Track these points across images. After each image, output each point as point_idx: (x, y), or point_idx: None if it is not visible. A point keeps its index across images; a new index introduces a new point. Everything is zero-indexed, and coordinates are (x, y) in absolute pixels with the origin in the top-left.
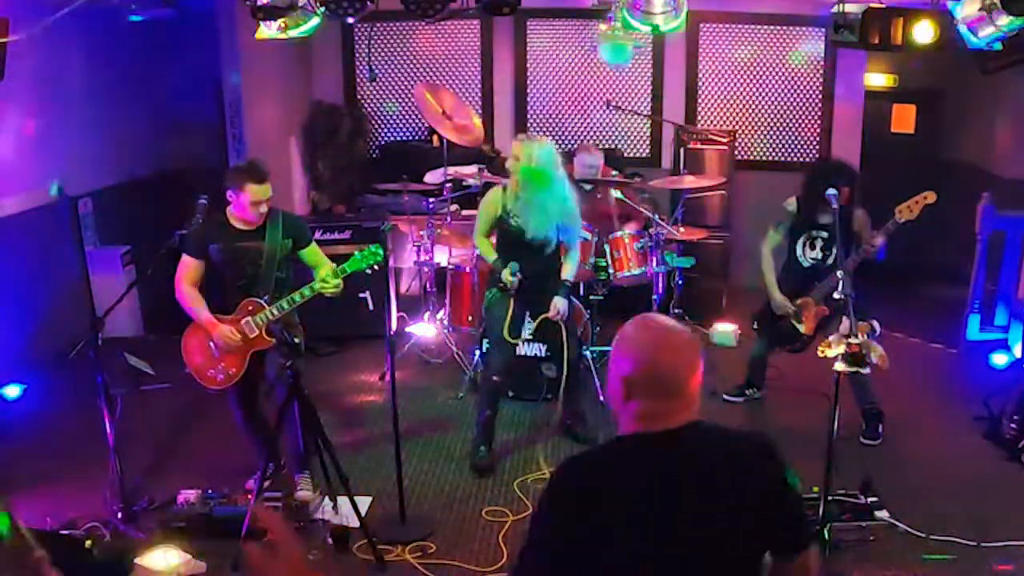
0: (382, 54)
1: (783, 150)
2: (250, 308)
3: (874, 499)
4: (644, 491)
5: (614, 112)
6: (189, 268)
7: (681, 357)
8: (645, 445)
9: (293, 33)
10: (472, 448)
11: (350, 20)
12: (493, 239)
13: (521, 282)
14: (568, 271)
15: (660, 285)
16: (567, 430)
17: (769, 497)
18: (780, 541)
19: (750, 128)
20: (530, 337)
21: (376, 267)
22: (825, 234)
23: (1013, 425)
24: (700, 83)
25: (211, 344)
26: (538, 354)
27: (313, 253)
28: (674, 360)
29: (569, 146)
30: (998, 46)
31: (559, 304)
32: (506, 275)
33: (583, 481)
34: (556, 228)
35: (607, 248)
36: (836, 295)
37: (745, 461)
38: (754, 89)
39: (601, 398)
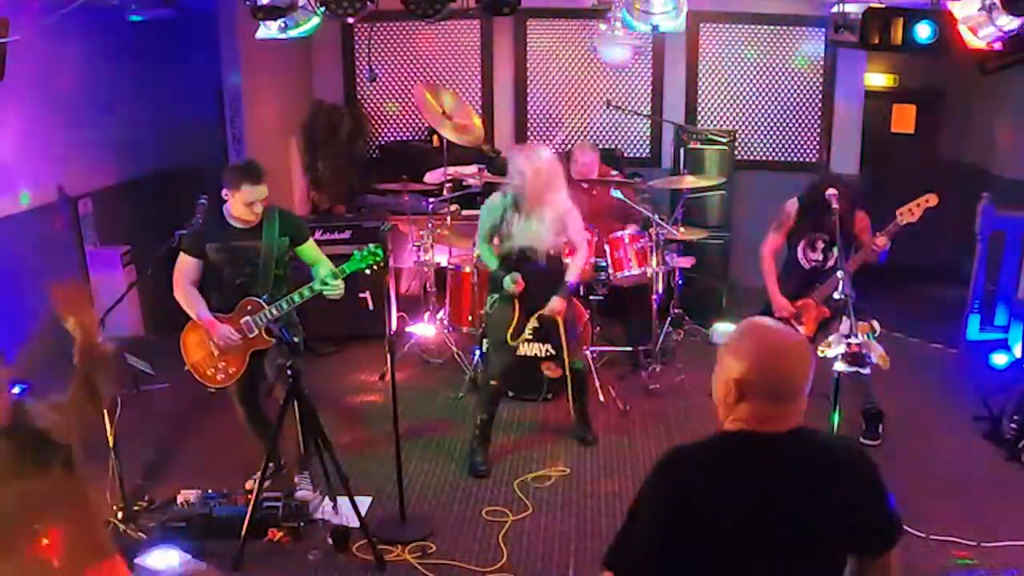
0: (382, 54)
1: (783, 150)
2: (249, 307)
3: None
4: (747, 489)
5: (614, 112)
6: (187, 266)
7: (798, 363)
8: (752, 444)
9: (293, 33)
10: (469, 452)
11: (350, 20)
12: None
13: (524, 289)
14: (571, 272)
15: (660, 285)
16: (572, 432)
17: (864, 503)
18: (869, 543)
19: (750, 128)
20: (530, 337)
21: (376, 267)
22: (826, 236)
23: (1013, 425)
24: (700, 83)
25: (210, 342)
26: (538, 354)
27: (310, 250)
28: (791, 365)
29: (569, 146)
30: (998, 46)
31: (554, 304)
32: (508, 284)
33: (689, 472)
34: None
35: (607, 248)
36: (836, 295)
37: (843, 467)
38: (754, 89)
39: (601, 398)
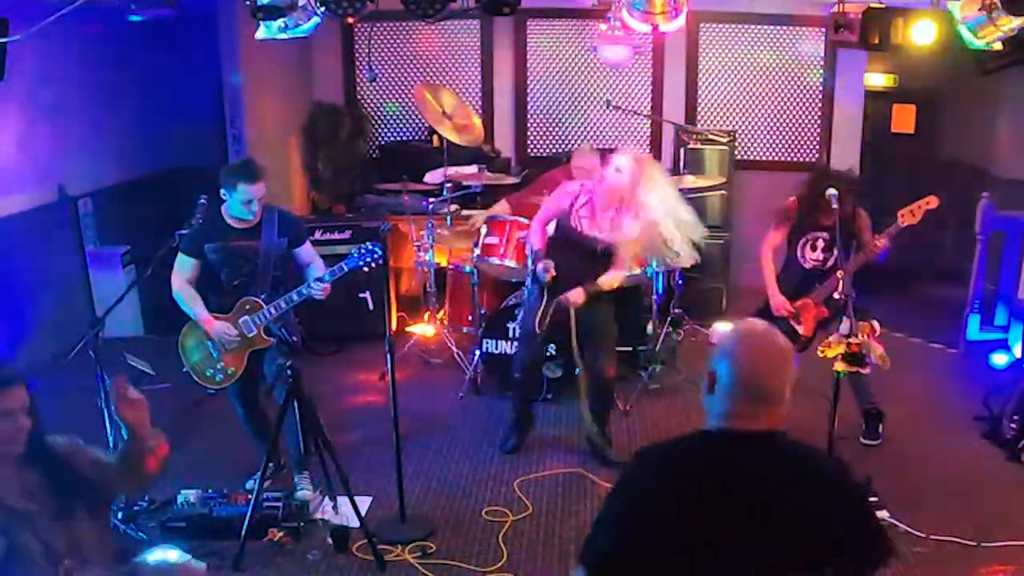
0: (382, 54)
1: (783, 150)
2: (247, 307)
3: (874, 499)
4: (716, 488)
5: (614, 112)
6: (184, 266)
7: (777, 366)
8: (723, 442)
9: (293, 33)
10: (501, 436)
11: (350, 20)
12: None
13: (556, 278)
14: (606, 275)
15: (660, 285)
16: (589, 442)
17: (849, 515)
18: (854, 557)
19: (750, 128)
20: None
21: (374, 265)
22: (826, 235)
23: (1013, 425)
24: (700, 83)
25: (208, 343)
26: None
27: (306, 252)
28: (765, 364)
29: (569, 147)
30: (998, 46)
31: (572, 293)
32: (541, 272)
33: (658, 470)
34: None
35: None
36: (836, 295)
37: (827, 475)
38: (754, 89)
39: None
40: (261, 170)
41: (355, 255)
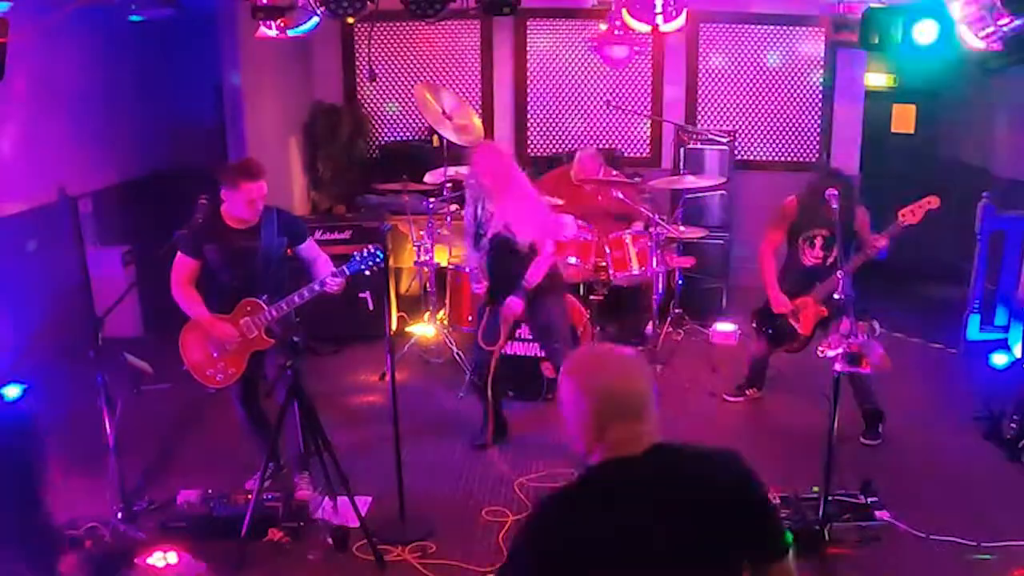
0: (382, 54)
1: (783, 150)
2: (248, 308)
3: (874, 499)
4: (619, 520)
5: (614, 112)
6: (183, 267)
7: (640, 376)
8: (615, 473)
9: (293, 33)
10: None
11: (350, 20)
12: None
13: (491, 286)
14: (528, 273)
15: (660, 285)
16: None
17: (741, 510)
18: (756, 552)
19: (750, 128)
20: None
21: (375, 269)
22: (825, 232)
23: (1013, 425)
24: (700, 83)
25: (209, 343)
26: (537, 354)
27: (309, 249)
28: (636, 380)
29: (569, 147)
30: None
31: (509, 303)
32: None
33: (559, 519)
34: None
35: (607, 248)
36: (836, 295)
37: (715, 477)
38: (754, 89)
39: None
40: (261, 167)
41: (356, 259)
